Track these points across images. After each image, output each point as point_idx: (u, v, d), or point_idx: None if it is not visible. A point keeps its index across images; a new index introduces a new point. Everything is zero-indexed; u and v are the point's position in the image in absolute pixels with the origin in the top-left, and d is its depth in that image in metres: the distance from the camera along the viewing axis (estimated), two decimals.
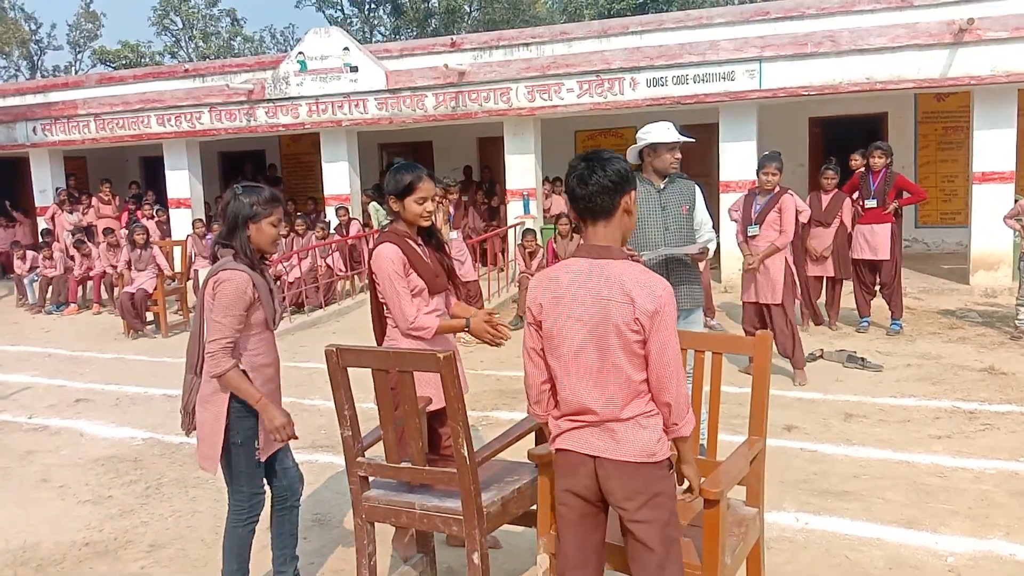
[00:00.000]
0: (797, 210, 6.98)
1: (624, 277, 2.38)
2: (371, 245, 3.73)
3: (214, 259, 3.28)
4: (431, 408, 3.50)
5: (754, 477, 3.01)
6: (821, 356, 7.23)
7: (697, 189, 4.72)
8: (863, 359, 7.03)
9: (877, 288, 8.31)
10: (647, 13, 26.90)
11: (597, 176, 2.45)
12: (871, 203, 8.08)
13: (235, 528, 3.36)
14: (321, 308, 10.57)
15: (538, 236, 10.36)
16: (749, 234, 6.61)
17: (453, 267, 3.87)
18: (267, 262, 3.42)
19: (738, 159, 10.77)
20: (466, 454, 2.86)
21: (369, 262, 3.65)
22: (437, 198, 9.05)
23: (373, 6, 35.63)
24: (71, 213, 13.99)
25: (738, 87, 10.52)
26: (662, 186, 4.57)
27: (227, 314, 3.10)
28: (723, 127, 10.85)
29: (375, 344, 3.75)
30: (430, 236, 3.72)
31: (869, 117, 13.06)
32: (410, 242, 3.59)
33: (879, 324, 8.34)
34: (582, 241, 2.59)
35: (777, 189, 6.55)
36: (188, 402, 3.32)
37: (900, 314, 8.22)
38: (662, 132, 4.52)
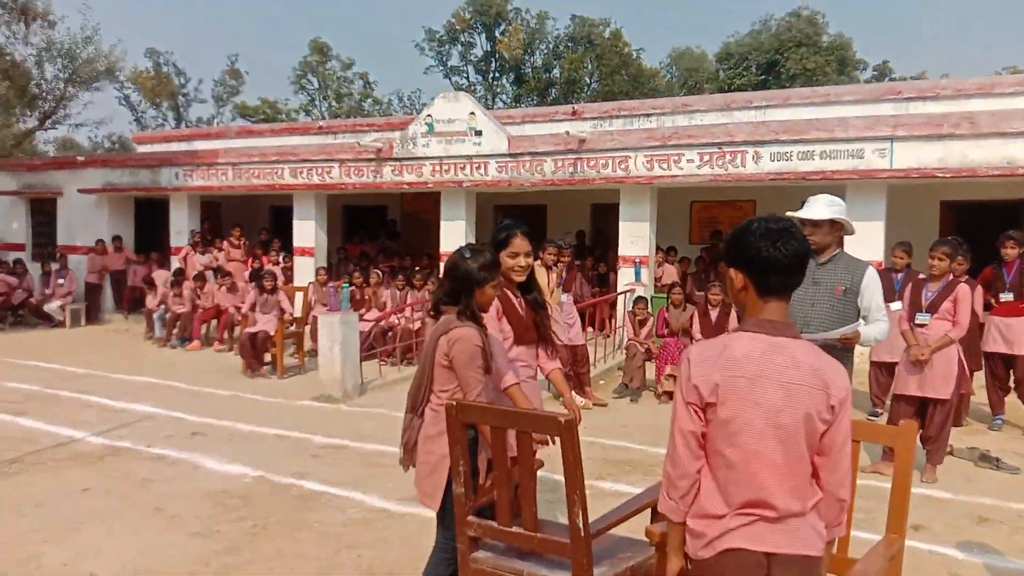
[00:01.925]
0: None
1: (812, 359, 2.16)
2: None
3: (437, 314, 3.47)
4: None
5: None
6: (951, 453, 6.77)
7: (869, 272, 4.36)
8: (997, 459, 6.54)
9: (1012, 385, 7.79)
10: (767, 89, 26.70)
11: (795, 245, 2.19)
12: (1007, 296, 7.65)
13: (438, 566, 3.44)
14: None
15: (649, 304, 10.23)
16: (917, 322, 6.26)
17: (548, 327, 3.96)
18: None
19: (865, 239, 10.34)
20: (581, 525, 2.77)
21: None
22: (552, 259, 9.11)
23: (497, 75, 36.76)
24: (203, 254, 14.77)
25: (867, 165, 10.21)
26: (822, 260, 4.36)
27: (472, 366, 3.28)
28: (849, 205, 10.41)
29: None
30: (527, 292, 3.86)
31: (1007, 204, 12.40)
32: (507, 291, 3.74)
33: (1014, 423, 7.77)
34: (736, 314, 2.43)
35: (951, 277, 6.24)
36: (408, 440, 3.50)
37: None
38: (807, 208, 4.37)
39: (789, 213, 4.54)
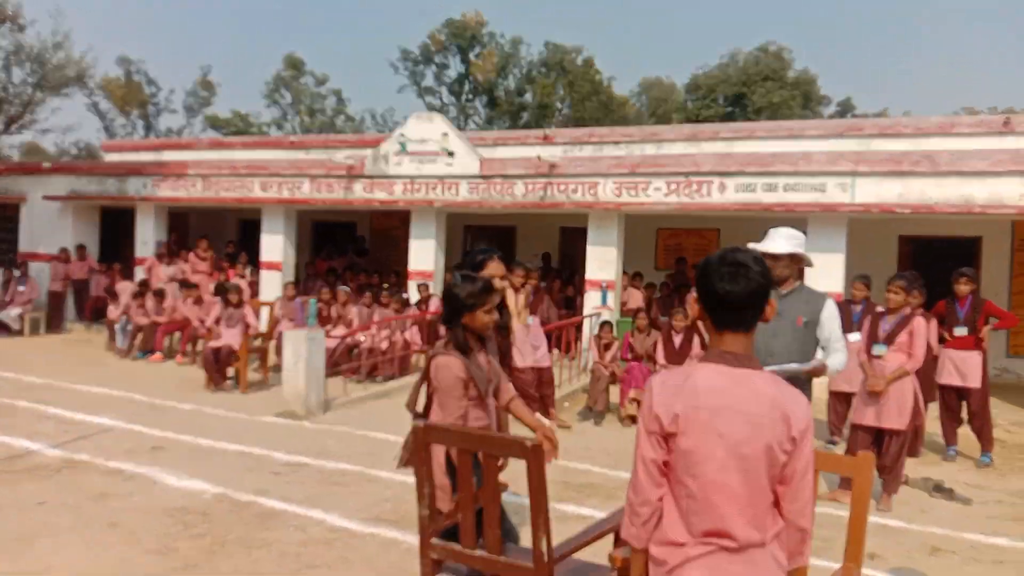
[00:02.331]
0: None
1: (773, 389, 2.17)
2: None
3: (437, 336, 3.59)
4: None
5: None
6: (906, 483, 6.91)
7: (828, 304, 4.46)
8: (951, 490, 6.69)
9: (964, 417, 7.99)
10: (734, 121, 27.20)
11: (749, 280, 2.21)
12: (961, 330, 7.87)
13: None
14: (395, 379, 10.67)
15: (614, 328, 10.32)
16: (874, 353, 6.40)
17: (509, 351, 4.08)
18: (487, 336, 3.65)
19: (825, 270, 10.59)
20: (544, 550, 2.81)
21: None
22: (520, 281, 9.16)
23: (470, 97, 36.97)
24: (168, 266, 14.62)
25: (829, 199, 10.45)
26: (783, 292, 4.45)
27: (451, 394, 3.43)
28: (811, 238, 10.63)
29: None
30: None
31: (962, 240, 12.76)
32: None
33: (967, 455, 7.96)
34: (704, 344, 2.44)
35: (908, 310, 6.39)
36: (408, 440, 3.61)
37: (990, 447, 7.84)
38: (768, 241, 4.48)
39: (751, 244, 4.66)
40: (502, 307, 3.93)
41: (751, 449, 2.15)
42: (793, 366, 4.23)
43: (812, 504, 2.22)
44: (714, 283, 2.23)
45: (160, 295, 13.09)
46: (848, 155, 10.72)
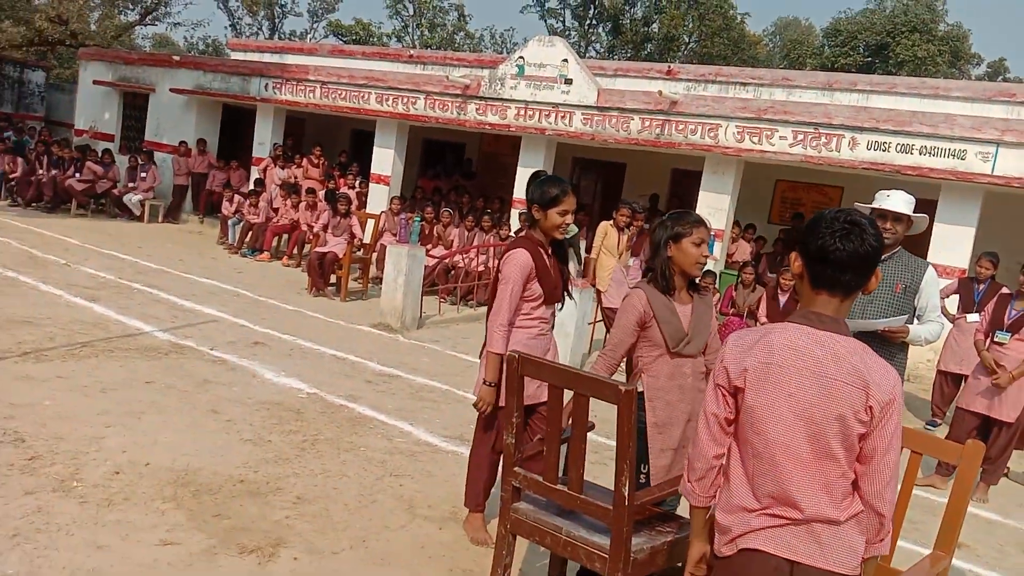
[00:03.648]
0: None
1: (856, 358, 2.05)
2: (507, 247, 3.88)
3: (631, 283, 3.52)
4: (533, 401, 3.66)
5: None
6: (1006, 475, 6.57)
7: (929, 272, 4.26)
8: None
9: None
10: (874, 74, 25.65)
11: (863, 241, 2.09)
12: None
13: None
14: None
15: (717, 280, 10.06)
16: (996, 339, 6.04)
17: (569, 280, 4.00)
18: (703, 286, 3.53)
19: (952, 243, 10.01)
20: (626, 494, 2.77)
21: (500, 260, 3.79)
22: (625, 221, 8.99)
23: (594, 22, 36.03)
24: (282, 169, 15.01)
25: (968, 167, 9.77)
26: (883, 257, 4.21)
27: (617, 325, 3.35)
28: (942, 207, 10.11)
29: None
30: (558, 248, 3.88)
31: None
32: (542, 251, 3.76)
33: None
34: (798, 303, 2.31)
35: None
36: None
37: None
38: (885, 198, 4.22)
39: (858, 204, 4.37)
40: (574, 242, 3.94)
41: (821, 414, 2.04)
42: (867, 321, 4.01)
43: (895, 487, 2.06)
44: (824, 238, 2.11)
45: (294, 193, 13.35)
46: (994, 122, 9.95)
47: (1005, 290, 6.35)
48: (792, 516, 2.08)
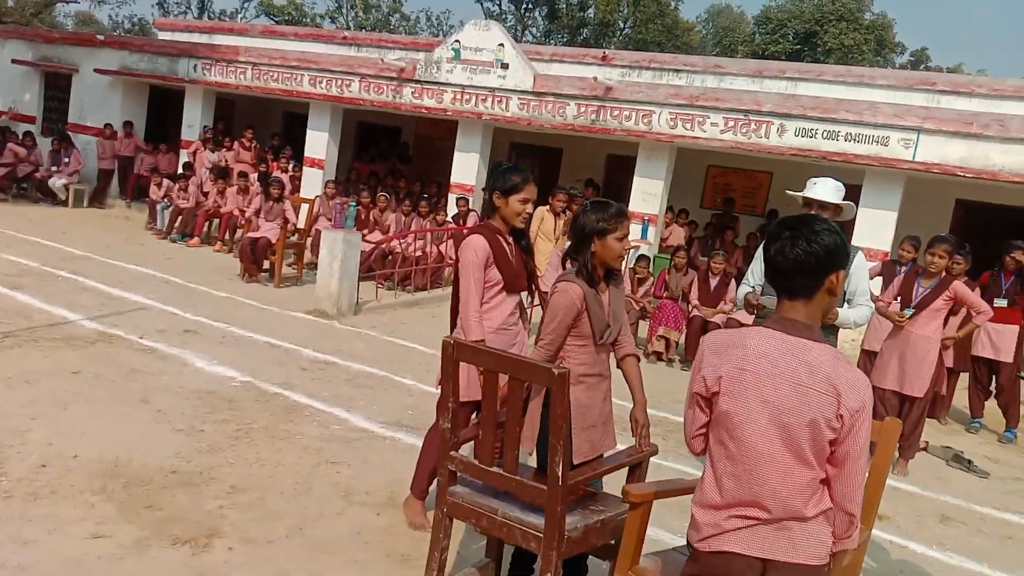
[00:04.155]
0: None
1: (828, 366, 2.10)
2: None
3: (563, 268, 3.47)
4: (473, 399, 3.61)
5: (852, 568, 2.86)
6: (925, 449, 6.87)
7: (858, 257, 4.42)
8: (970, 461, 6.64)
9: (993, 389, 7.89)
10: (802, 61, 26.27)
11: (799, 251, 2.14)
12: (1001, 302, 7.67)
13: None
14: (426, 290, 10.74)
15: (651, 264, 10.23)
16: (904, 315, 6.26)
17: (535, 272, 4.02)
18: (617, 271, 3.49)
19: (876, 227, 10.36)
20: (560, 473, 2.82)
21: (457, 249, 3.80)
22: (561, 206, 9.07)
23: (530, 6, 36.02)
24: (212, 152, 14.67)
25: (891, 154, 10.12)
26: None
27: (554, 319, 3.26)
28: (865, 192, 10.45)
29: (451, 331, 3.91)
30: (519, 238, 3.89)
31: (1021, 210, 12.33)
32: (500, 238, 3.77)
33: (991, 428, 7.88)
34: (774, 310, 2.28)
35: (944, 275, 6.21)
36: None
37: (1016, 423, 7.74)
38: (813, 187, 4.37)
39: (789, 192, 4.54)
40: (524, 230, 3.96)
41: (794, 419, 2.10)
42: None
43: (861, 490, 2.15)
44: (770, 248, 2.20)
45: (222, 177, 13.06)
46: (916, 110, 10.33)
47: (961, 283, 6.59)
48: (759, 516, 2.16)
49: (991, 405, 7.95)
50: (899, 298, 6.35)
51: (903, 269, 7.99)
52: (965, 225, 12.76)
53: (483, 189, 13.12)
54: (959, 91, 12.91)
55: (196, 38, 18.38)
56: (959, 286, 6.16)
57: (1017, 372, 7.83)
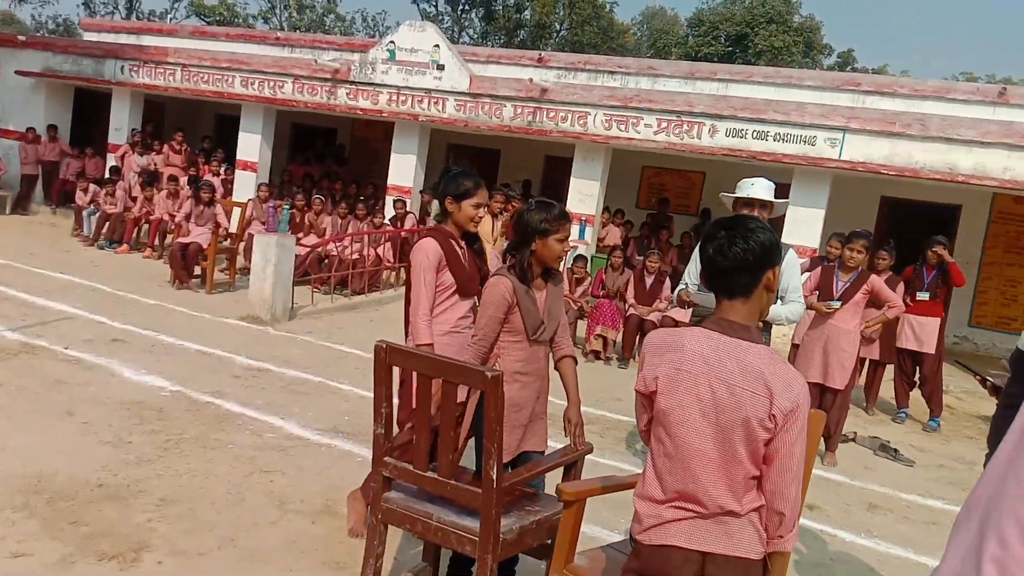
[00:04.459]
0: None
1: (763, 366, 2.13)
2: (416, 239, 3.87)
3: (408, 254, 3.49)
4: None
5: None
6: (853, 439, 7.08)
7: (789, 254, 4.50)
8: (896, 450, 6.86)
9: (917, 380, 8.17)
10: (733, 63, 26.83)
11: (737, 250, 2.18)
12: (923, 295, 7.96)
13: None
14: (363, 294, 10.63)
15: (588, 264, 10.31)
16: (827, 308, 6.42)
17: (488, 275, 4.01)
18: (556, 271, 3.50)
19: (804, 225, 10.64)
20: (494, 477, 2.82)
21: (409, 254, 3.78)
22: (499, 207, 9.09)
23: (467, 8, 35.99)
24: (141, 156, 14.28)
25: (817, 153, 10.40)
26: None
27: (485, 313, 3.31)
28: (794, 191, 10.72)
29: (404, 335, 3.88)
30: (472, 242, 3.88)
31: (942, 206, 12.80)
32: (453, 242, 3.75)
33: (916, 418, 8.15)
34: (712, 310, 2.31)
35: (862, 269, 6.39)
36: None
37: (939, 412, 8.03)
38: (749, 187, 4.47)
39: (724, 195, 4.65)
40: (476, 235, 3.94)
41: (727, 419, 2.13)
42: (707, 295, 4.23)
43: (796, 488, 2.17)
44: (707, 249, 2.23)
45: (151, 182, 12.72)
46: (841, 110, 10.63)
47: (832, 263, 6.79)
48: (697, 510, 2.19)
49: (916, 396, 8.22)
50: (818, 292, 6.50)
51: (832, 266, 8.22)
52: (890, 221, 13.20)
53: (420, 192, 13.13)
54: (883, 91, 13.33)
55: (123, 39, 17.86)
56: (875, 280, 6.35)
57: (940, 363, 8.12)
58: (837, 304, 6.28)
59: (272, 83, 13.53)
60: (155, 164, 14.13)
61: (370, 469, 3.97)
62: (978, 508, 1.04)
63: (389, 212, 12.37)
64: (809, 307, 6.36)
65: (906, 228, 11.90)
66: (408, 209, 12.19)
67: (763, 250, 2.20)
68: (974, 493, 1.06)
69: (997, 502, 1.01)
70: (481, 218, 3.86)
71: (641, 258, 10.19)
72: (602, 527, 4.33)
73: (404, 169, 12.94)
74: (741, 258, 2.18)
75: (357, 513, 3.98)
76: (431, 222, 11.88)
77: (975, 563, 1.01)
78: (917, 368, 8.14)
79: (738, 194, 4.53)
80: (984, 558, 1.00)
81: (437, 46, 12.37)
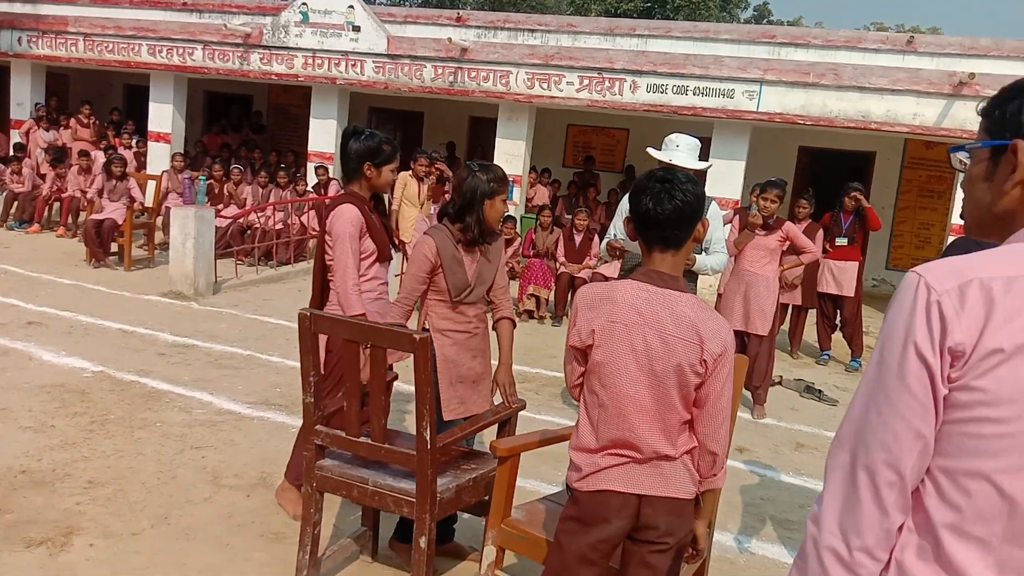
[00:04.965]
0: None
1: (692, 315, 2.21)
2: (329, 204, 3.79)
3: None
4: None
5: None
6: (779, 383, 7.30)
7: (713, 206, 4.61)
8: (820, 391, 7.12)
9: (838, 323, 8.45)
10: (652, 18, 26.92)
11: (677, 202, 2.24)
12: (842, 241, 8.21)
13: None
14: (290, 264, 10.44)
15: (518, 224, 10.33)
16: (751, 219, 6.48)
17: (396, 235, 4.04)
18: (498, 233, 3.51)
19: (726, 177, 10.82)
20: (428, 438, 2.83)
21: (325, 220, 3.69)
22: (423, 171, 8.99)
23: None
24: (47, 131, 13.64)
25: (736, 106, 10.55)
26: None
27: (408, 272, 3.35)
28: (715, 143, 10.88)
29: (313, 305, 3.81)
30: (376, 203, 3.85)
31: (857, 154, 13.20)
32: (366, 207, 3.71)
33: (839, 359, 8.46)
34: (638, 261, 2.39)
35: (777, 217, 6.50)
36: None
37: (860, 352, 8.34)
38: (675, 149, 4.51)
39: (650, 150, 4.69)
40: (381, 196, 3.92)
41: (661, 367, 2.21)
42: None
43: (726, 429, 2.29)
44: (642, 200, 2.27)
45: (57, 165, 12.14)
46: (757, 63, 10.78)
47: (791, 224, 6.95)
48: (632, 455, 2.28)
49: (837, 338, 8.52)
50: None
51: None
52: (809, 170, 13.55)
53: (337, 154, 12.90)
54: (797, 43, 13.54)
55: (18, 8, 16.90)
56: (790, 227, 6.48)
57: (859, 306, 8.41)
58: (755, 209, 6.35)
59: (181, 50, 13.01)
60: (62, 139, 13.50)
61: (297, 448, 3.94)
62: (849, 439, 1.19)
63: (312, 180, 12.12)
64: (739, 241, 6.44)
65: (823, 176, 12.25)
66: (331, 175, 11.96)
67: (697, 203, 2.27)
68: (842, 428, 1.22)
69: (863, 434, 1.17)
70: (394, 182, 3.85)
71: (570, 216, 10.25)
72: (540, 480, 4.39)
73: (325, 134, 12.66)
74: (679, 209, 2.24)
75: (291, 501, 3.86)
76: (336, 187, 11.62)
77: (853, 485, 1.17)
78: (838, 311, 8.42)
79: (661, 157, 4.56)
80: (859, 483, 1.16)
81: (351, 7, 12.06)
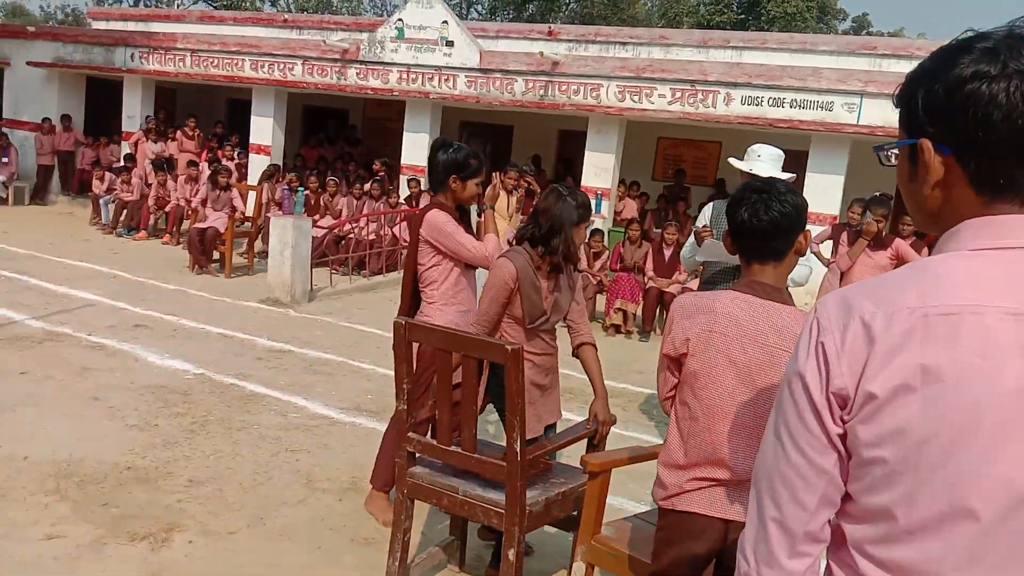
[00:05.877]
0: None
1: (797, 327, 2.11)
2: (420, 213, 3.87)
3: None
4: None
5: None
6: None
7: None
8: None
9: None
10: (747, 30, 26.46)
11: (775, 213, 2.16)
12: None
13: None
14: (381, 274, 10.65)
15: (605, 238, 10.27)
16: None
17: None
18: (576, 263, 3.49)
19: (823, 191, 10.52)
20: (518, 449, 2.82)
21: (418, 229, 3.75)
22: (512, 184, 9.05)
23: None
24: (155, 143, 14.32)
25: (835, 119, 10.26)
26: None
27: (486, 296, 3.30)
28: (812, 157, 10.59)
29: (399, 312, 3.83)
30: (462, 215, 3.88)
31: None
32: (454, 217, 3.77)
33: None
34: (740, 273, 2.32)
35: (886, 235, 6.36)
36: None
37: None
38: (756, 159, 4.41)
39: (732, 160, 4.59)
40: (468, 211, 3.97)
41: (765, 380, 2.12)
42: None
43: None
44: (739, 212, 2.21)
45: (159, 174, 12.76)
46: (858, 74, 10.47)
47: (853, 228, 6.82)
48: (720, 477, 2.19)
49: None
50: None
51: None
52: None
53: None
54: (899, 54, 13.10)
55: (132, 27, 17.86)
56: (900, 243, 6.30)
57: None
58: (869, 217, 6.26)
59: (282, 65, 13.49)
60: (168, 151, 14.16)
61: (382, 456, 4.00)
62: (760, 470, 1.18)
63: (405, 192, 12.35)
64: (850, 255, 6.35)
65: None
66: (422, 187, 12.15)
67: (797, 213, 2.19)
68: (756, 464, 1.21)
69: (769, 467, 1.15)
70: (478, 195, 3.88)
71: (659, 230, 10.13)
72: (628, 498, 4.33)
73: (417, 148, 12.87)
74: (778, 221, 2.17)
75: (381, 509, 3.92)
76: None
77: (762, 518, 1.16)
78: None
79: (743, 167, 4.47)
80: (766, 517, 1.15)
81: (445, 22, 12.28)
